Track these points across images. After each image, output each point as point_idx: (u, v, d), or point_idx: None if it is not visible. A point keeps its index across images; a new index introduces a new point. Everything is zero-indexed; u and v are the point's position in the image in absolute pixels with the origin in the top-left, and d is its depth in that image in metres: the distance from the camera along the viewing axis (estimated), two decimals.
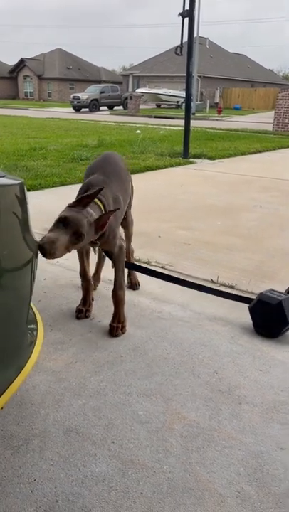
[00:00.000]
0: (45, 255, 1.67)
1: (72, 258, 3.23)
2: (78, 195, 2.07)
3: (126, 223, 2.61)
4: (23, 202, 1.44)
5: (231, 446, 1.56)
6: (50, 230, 1.79)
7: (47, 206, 4.59)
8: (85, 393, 1.80)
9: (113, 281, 2.26)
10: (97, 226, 1.90)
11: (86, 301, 2.44)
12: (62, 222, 1.79)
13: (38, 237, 1.66)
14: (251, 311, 2.33)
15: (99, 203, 2.00)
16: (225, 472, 1.45)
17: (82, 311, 2.40)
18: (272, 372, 1.97)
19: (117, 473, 1.44)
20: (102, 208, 2.01)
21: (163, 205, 4.84)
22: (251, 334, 2.28)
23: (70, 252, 1.86)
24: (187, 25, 8.20)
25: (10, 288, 1.39)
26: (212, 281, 2.87)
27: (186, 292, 2.68)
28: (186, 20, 8.16)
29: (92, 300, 2.47)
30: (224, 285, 2.83)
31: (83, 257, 2.43)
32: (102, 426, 1.63)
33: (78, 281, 2.85)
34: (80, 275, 2.45)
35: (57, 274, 2.94)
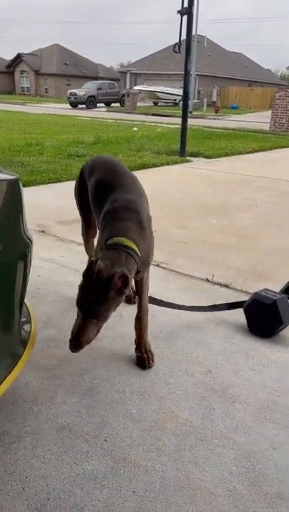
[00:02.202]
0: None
1: (67, 255, 3.23)
2: (108, 220, 1.80)
3: None
4: (18, 197, 1.43)
5: (224, 446, 1.56)
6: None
7: (42, 202, 4.58)
8: (78, 391, 1.80)
9: (137, 306, 2.01)
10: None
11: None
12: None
13: (32, 234, 1.65)
14: (246, 310, 2.33)
15: (134, 247, 1.69)
16: (217, 471, 1.45)
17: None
18: (266, 372, 1.98)
19: (109, 471, 1.43)
20: (137, 253, 1.69)
21: (159, 203, 4.83)
22: (245, 333, 2.29)
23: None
24: (186, 23, 8.17)
25: (3, 284, 1.37)
26: (207, 280, 2.87)
27: (180, 290, 2.68)
28: (185, 18, 8.13)
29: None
30: (219, 284, 2.84)
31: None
32: (95, 424, 1.63)
33: (72, 278, 2.84)
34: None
35: (51, 271, 2.93)
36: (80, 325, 1.56)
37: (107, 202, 1.86)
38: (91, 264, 1.55)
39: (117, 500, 1.34)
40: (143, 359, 1.98)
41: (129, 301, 2.45)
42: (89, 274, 1.55)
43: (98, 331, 1.62)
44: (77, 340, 1.56)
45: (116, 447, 1.53)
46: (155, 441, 1.56)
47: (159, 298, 2.61)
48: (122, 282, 1.53)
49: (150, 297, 2.13)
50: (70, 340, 1.57)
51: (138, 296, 1.99)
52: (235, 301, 2.47)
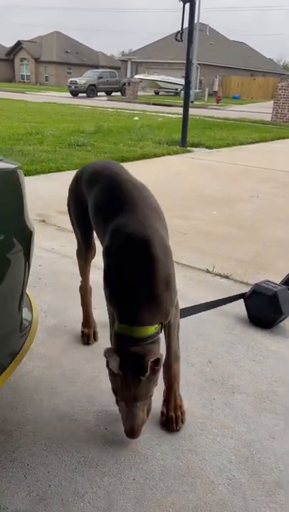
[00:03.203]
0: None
1: (68, 245, 3.23)
2: (110, 252, 1.47)
3: None
4: (20, 186, 1.42)
5: (223, 435, 1.57)
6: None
7: (43, 192, 4.56)
8: (79, 380, 1.81)
9: (166, 350, 1.60)
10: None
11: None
12: None
13: (33, 223, 1.65)
14: (246, 301, 2.33)
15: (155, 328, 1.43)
16: (217, 460, 1.47)
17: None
18: (266, 363, 1.99)
19: (109, 459, 1.45)
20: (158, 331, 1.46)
21: (159, 194, 4.78)
22: (246, 324, 2.29)
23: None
24: (188, 11, 8.07)
25: (5, 273, 1.37)
26: (208, 271, 2.87)
27: (181, 281, 2.68)
28: (188, 5, 8.03)
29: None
30: (220, 275, 2.84)
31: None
32: (96, 413, 1.64)
33: (73, 267, 2.84)
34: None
35: (52, 261, 2.93)
36: (132, 413, 1.41)
37: (111, 232, 1.48)
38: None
39: (118, 487, 1.35)
40: (171, 419, 1.59)
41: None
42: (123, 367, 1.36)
43: (149, 409, 1.46)
44: (134, 429, 1.42)
45: (116, 436, 1.54)
46: (155, 429, 1.58)
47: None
48: (156, 364, 1.39)
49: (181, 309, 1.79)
50: (128, 433, 1.42)
51: (166, 338, 1.60)
52: (236, 292, 2.47)
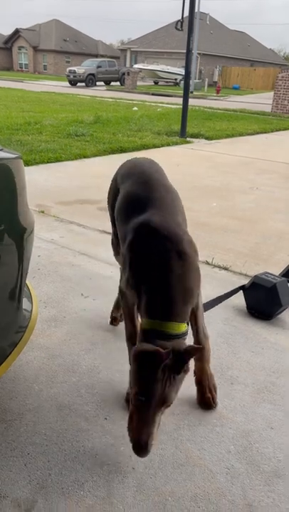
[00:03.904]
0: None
1: (67, 236, 3.22)
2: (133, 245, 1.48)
3: None
4: (20, 176, 1.42)
5: (222, 425, 1.58)
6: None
7: (42, 182, 4.54)
8: (78, 370, 1.81)
9: (196, 330, 1.62)
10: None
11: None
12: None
13: (34, 214, 1.64)
14: (246, 293, 2.33)
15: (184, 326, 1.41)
16: (215, 449, 1.48)
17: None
18: (265, 354, 2.00)
19: (109, 448, 1.46)
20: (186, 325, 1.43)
21: None
22: (245, 316, 2.30)
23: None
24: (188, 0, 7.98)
25: (5, 263, 1.37)
26: (207, 263, 2.87)
27: None
28: None
29: None
30: (219, 266, 2.84)
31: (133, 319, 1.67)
32: (95, 403, 1.65)
33: (72, 258, 2.84)
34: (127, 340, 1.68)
35: (52, 252, 2.92)
36: (148, 419, 1.24)
37: (138, 226, 1.49)
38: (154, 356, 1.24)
39: (117, 476, 1.36)
40: (208, 400, 1.63)
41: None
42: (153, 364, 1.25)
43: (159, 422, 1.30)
44: (146, 441, 1.22)
45: (116, 425, 1.55)
46: None
47: None
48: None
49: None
50: (136, 441, 1.24)
51: (194, 320, 1.59)
52: (236, 283, 2.47)
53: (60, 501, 1.27)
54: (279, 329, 2.20)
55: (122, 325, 2.14)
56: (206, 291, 2.51)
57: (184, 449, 1.47)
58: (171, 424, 1.57)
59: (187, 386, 1.74)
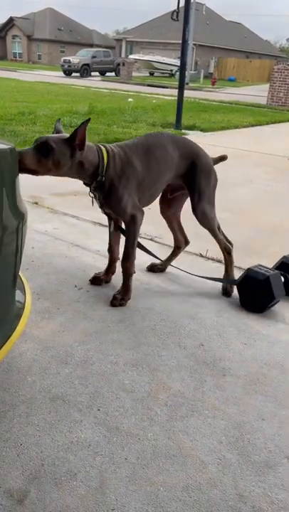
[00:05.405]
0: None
1: (61, 228, 3.21)
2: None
3: (196, 215, 2.58)
4: (13, 167, 1.40)
5: (214, 416, 1.60)
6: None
7: None
8: (71, 362, 1.82)
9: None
10: (72, 144, 1.93)
11: (107, 271, 2.47)
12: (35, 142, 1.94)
13: (27, 205, 1.63)
14: (239, 285, 2.34)
15: (102, 148, 2.09)
16: (207, 440, 1.49)
17: (99, 278, 2.45)
18: (257, 346, 2.01)
19: (102, 439, 1.47)
20: (104, 152, 2.07)
21: None
22: (238, 308, 2.31)
23: (54, 172, 2.02)
24: None
25: None
26: (201, 255, 2.88)
27: (174, 265, 2.69)
28: None
29: (112, 274, 2.47)
30: (213, 259, 2.85)
31: (110, 233, 2.41)
32: (88, 394, 1.66)
33: (66, 250, 2.83)
34: (108, 250, 2.43)
35: (45, 243, 2.91)
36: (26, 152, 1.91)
37: None
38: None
39: (110, 466, 1.37)
40: (114, 298, 2.26)
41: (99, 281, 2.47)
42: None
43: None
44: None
45: (109, 416, 1.56)
46: (147, 411, 1.60)
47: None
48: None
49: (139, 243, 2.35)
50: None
51: (124, 242, 2.23)
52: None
53: (52, 491, 1.28)
54: (272, 321, 2.22)
55: (115, 322, 2.15)
56: (199, 284, 2.52)
57: (177, 440, 1.49)
58: (164, 415, 1.58)
59: (180, 379, 1.75)
